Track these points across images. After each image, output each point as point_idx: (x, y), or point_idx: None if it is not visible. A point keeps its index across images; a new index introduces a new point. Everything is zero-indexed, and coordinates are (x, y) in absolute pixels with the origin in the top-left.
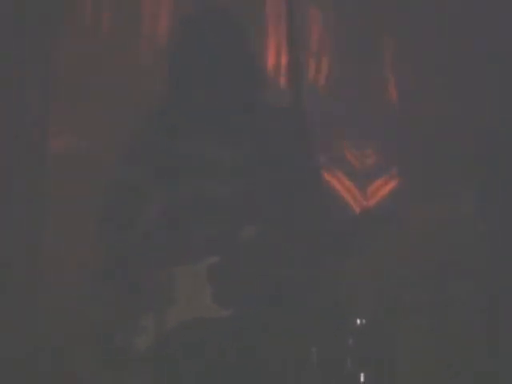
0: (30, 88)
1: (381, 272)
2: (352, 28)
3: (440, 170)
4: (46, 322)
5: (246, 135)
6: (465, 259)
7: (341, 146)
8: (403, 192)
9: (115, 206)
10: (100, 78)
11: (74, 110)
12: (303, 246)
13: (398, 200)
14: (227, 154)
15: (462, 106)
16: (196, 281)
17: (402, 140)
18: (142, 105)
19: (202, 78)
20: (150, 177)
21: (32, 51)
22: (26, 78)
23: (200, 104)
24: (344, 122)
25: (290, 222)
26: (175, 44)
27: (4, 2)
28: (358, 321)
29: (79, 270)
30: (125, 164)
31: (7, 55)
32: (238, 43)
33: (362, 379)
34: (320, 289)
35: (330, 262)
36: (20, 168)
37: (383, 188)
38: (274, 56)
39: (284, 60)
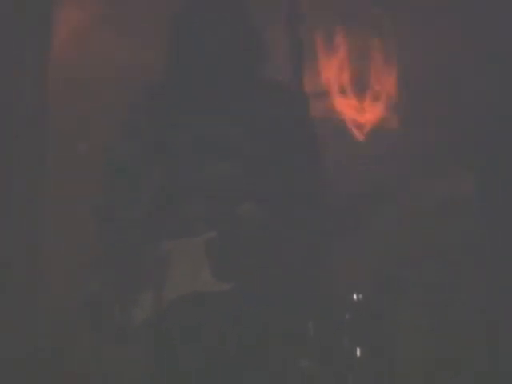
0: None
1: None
2: None
3: None
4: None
5: (246, 112)
6: None
7: None
8: None
9: (114, 182)
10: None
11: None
12: (302, 221)
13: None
14: (226, 131)
15: None
16: (194, 255)
17: None
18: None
19: (202, 56)
20: (149, 153)
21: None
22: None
23: (199, 81)
24: None
25: (289, 199)
26: (174, 21)
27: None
28: (355, 296)
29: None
30: (123, 141)
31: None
32: (238, 21)
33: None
34: (319, 263)
35: (329, 238)
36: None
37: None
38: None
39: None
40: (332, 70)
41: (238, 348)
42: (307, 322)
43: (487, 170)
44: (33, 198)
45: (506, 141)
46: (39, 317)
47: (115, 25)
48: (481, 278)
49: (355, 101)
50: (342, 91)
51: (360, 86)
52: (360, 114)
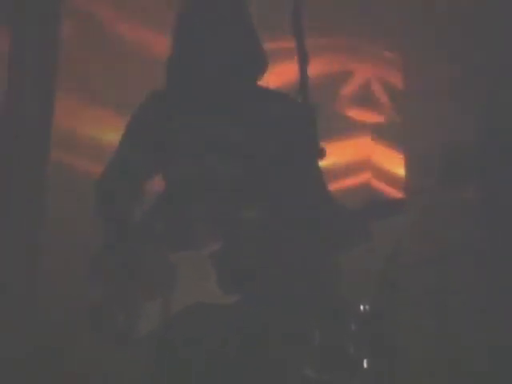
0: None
1: None
2: None
3: None
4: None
5: (248, 115)
6: None
7: None
8: None
9: (116, 184)
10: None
11: None
12: (305, 229)
13: None
14: (229, 135)
15: None
16: (200, 266)
17: None
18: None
19: (204, 59)
20: (152, 158)
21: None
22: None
23: (201, 84)
24: None
25: (292, 206)
26: (177, 25)
27: None
28: (362, 307)
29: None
30: (126, 143)
31: None
32: (239, 22)
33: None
34: (325, 272)
35: (332, 246)
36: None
37: None
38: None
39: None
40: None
41: (244, 359)
42: (313, 331)
43: (489, 174)
44: (33, 199)
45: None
46: (39, 317)
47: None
48: (483, 281)
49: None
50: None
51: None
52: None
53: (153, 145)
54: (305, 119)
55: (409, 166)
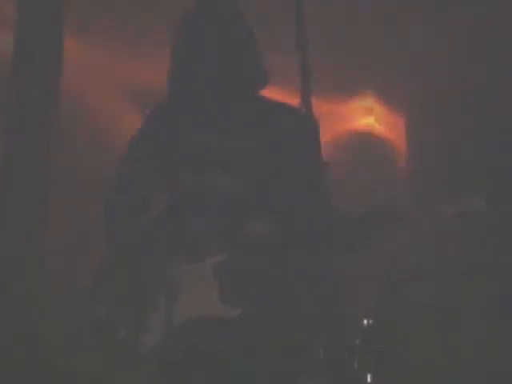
0: None
1: None
2: None
3: None
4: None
5: (250, 127)
6: None
7: None
8: None
9: (119, 199)
10: None
11: None
12: (309, 242)
13: None
14: (232, 149)
15: None
16: (203, 279)
17: None
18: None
19: (205, 71)
20: (156, 171)
21: None
22: None
23: (203, 96)
24: None
25: (296, 219)
26: (178, 38)
27: None
28: (365, 321)
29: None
30: (130, 156)
31: None
32: (240, 36)
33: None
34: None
35: (337, 259)
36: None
37: None
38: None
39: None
40: None
41: (245, 372)
42: (317, 345)
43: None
44: (33, 199)
45: None
46: (39, 317)
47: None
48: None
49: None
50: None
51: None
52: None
53: (155, 158)
54: (307, 131)
55: None
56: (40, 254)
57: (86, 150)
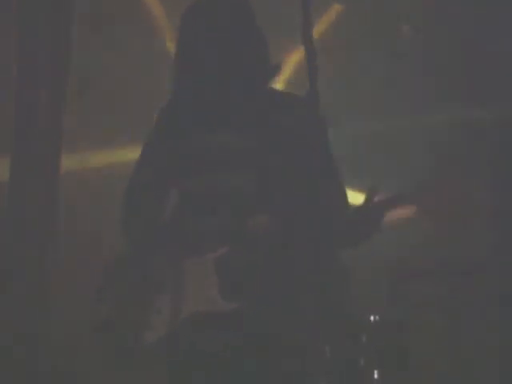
0: None
1: None
2: None
3: None
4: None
5: (259, 124)
6: None
7: None
8: None
9: (135, 199)
10: None
11: None
12: (316, 236)
13: None
14: (237, 144)
15: None
16: (204, 274)
17: None
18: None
19: (215, 70)
20: (163, 167)
21: None
22: None
23: (210, 95)
24: None
25: (301, 214)
26: (186, 36)
27: None
28: (372, 318)
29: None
30: (143, 158)
31: None
32: (250, 34)
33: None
34: (331, 280)
35: (340, 253)
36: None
37: None
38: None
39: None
40: None
41: (249, 372)
42: (323, 343)
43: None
44: (34, 199)
45: None
46: (39, 317)
47: None
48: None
49: None
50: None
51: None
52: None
53: (166, 158)
54: (316, 127)
55: None
56: (40, 254)
57: None
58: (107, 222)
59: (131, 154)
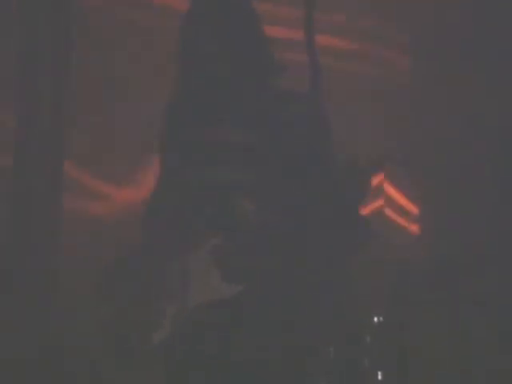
0: None
1: None
2: None
3: None
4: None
5: (259, 120)
6: None
7: None
8: None
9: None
10: None
11: None
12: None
13: None
14: (237, 139)
15: None
16: (203, 264)
17: None
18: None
19: (215, 64)
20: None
21: None
22: None
23: (211, 90)
24: None
25: (301, 207)
26: (192, 32)
27: None
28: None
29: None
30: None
31: None
32: (252, 29)
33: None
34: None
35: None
36: None
37: None
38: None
39: None
40: None
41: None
42: (327, 344)
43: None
44: (34, 199)
45: None
46: (39, 317)
47: None
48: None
49: None
50: None
51: None
52: None
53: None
54: (318, 123)
55: None
56: (41, 255)
57: None
58: None
59: None
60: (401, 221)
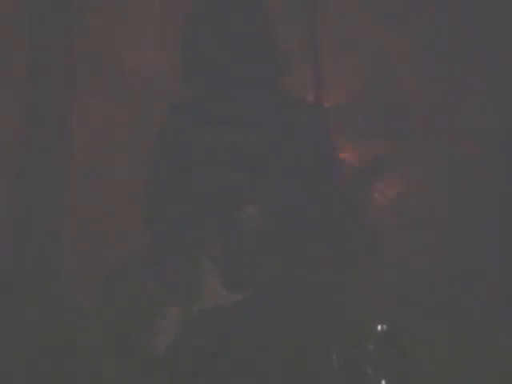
0: None
1: None
2: None
3: None
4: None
5: (259, 122)
6: None
7: None
8: None
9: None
10: None
11: None
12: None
13: None
14: (237, 141)
15: None
16: (204, 270)
17: None
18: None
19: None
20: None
21: None
22: None
23: (214, 92)
24: None
25: (303, 210)
26: (192, 32)
27: None
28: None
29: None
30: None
31: None
32: (262, 30)
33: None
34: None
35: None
36: None
37: None
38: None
39: None
40: None
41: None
42: (330, 352)
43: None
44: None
45: None
46: (39, 317)
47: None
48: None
49: None
50: None
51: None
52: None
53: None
54: (319, 127)
55: None
56: (42, 254)
57: None
58: None
59: None
60: (401, 220)
